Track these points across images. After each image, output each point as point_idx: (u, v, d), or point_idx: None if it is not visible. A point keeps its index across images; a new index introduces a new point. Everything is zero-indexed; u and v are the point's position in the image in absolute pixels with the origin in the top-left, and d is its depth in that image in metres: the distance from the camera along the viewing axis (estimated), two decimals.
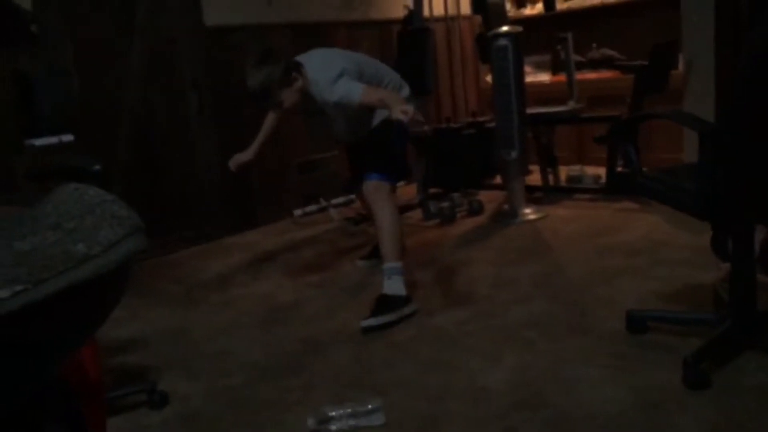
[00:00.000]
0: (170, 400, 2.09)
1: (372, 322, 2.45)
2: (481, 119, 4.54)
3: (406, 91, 2.94)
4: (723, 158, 1.74)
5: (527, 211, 3.88)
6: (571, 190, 4.33)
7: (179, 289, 3.24)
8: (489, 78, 4.67)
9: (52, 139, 3.01)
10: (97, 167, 1.91)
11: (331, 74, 2.61)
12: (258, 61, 2.59)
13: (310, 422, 1.82)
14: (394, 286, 2.57)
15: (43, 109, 3.13)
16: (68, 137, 3.02)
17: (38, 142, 3.00)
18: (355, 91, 2.55)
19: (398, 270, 2.59)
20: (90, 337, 0.87)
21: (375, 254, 3.08)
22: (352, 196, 4.80)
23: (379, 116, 2.77)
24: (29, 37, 2.97)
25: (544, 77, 5.18)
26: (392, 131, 2.74)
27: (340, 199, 4.65)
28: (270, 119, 3.10)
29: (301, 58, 2.74)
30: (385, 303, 2.52)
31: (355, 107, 2.63)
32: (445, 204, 4.06)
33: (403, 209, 4.37)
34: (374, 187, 2.66)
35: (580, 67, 4.72)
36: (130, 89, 3.81)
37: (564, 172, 4.45)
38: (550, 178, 4.38)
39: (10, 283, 0.52)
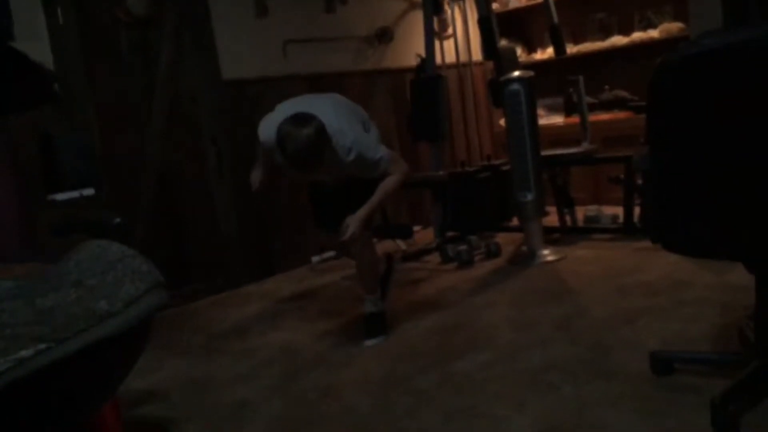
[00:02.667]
0: None
1: (374, 342, 2.86)
2: (495, 162, 4.56)
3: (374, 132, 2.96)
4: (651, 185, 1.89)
5: (545, 252, 3.86)
6: (589, 230, 4.31)
7: (199, 339, 3.24)
8: (502, 121, 4.72)
9: (74, 194, 3.08)
10: (118, 221, 1.95)
11: (352, 134, 2.68)
12: (297, 123, 2.51)
13: None
14: (378, 306, 2.98)
15: (65, 165, 3.20)
16: (89, 191, 3.08)
17: (60, 197, 3.07)
18: (384, 165, 2.76)
19: (377, 298, 3.00)
20: (114, 392, 0.87)
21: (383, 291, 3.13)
22: None
23: (376, 170, 2.79)
24: (52, 96, 3.06)
25: (558, 119, 5.22)
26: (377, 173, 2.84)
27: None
28: (262, 166, 3.02)
29: (298, 108, 2.66)
30: (377, 321, 2.94)
31: (362, 168, 2.74)
32: (463, 247, 4.06)
33: (421, 253, 4.38)
34: (362, 237, 2.83)
35: (593, 108, 4.76)
36: (151, 144, 3.90)
37: (581, 212, 4.44)
38: (567, 219, 4.37)
39: (33, 342, 0.53)
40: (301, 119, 2.53)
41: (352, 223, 2.72)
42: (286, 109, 2.70)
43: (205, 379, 2.71)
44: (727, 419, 1.78)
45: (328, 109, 2.68)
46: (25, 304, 0.64)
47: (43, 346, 0.53)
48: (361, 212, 2.74)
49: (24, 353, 0.51)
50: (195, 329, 3.40)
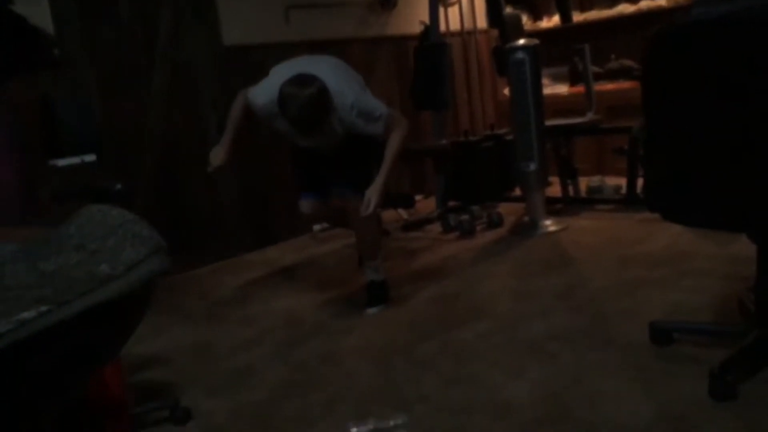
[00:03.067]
0: (193, 416, 2.10)
1: (376, 310, 2.87)
2: (499, 132, 4.53)
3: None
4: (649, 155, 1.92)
5: (548, 223, 3.86)
6: (592, 201, 4.30)
7: (201, 306, 3.27)
8: (506, 91, 4.67)
9: (75, 160, 3.06)
10: (119, 187, 1.95)
11: (352, 92, 2.63)
12: (298, 84, 2.48)
13: None
14: (379, 274, 2.97)
15: (65, 131, 3.18)
16: (90, 157, 3.07)
17: (61, 162, 3.05)
18: (381, 125, 2.69)
19: (379, 265, 2.97)
20: (115, 355, 0.88)
21: (374, 300, 2.98)
22: None
23: (369, 133, 2.74)
24: (52, 61, 3.03)
25: (562, 89, 5.17)
26: (377, 150, 2.79)
27: None
28: (234, 115, 2.89)
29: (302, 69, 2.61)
30: (379, 289, 2.95)
31: (360, 131, 2.70)
32: (465, 217, 4.06)
33: (422, 223, 4.38)
34: (355, 207, 2.78)
35: (598, 78, 4.71)
36: (152, 109, 3.87)
37: (584, 183, 4.42)
38: (570, 189, 4.35)
39: (35, 304, 0.53)
40: (302, 80, 2.49)
41: (373, 195, 2.69)
42: (283, 72, 2.64)
43: (207, 345, 2.74)
44: (725, 389, 1.80)
45: (326, 71, 2.63)
46: (27, 267, 0.64)
47: (44, 308, 0.53)
48: (379, 181, 2.70)
49: (26, 315, 0.52)
50: (197, 296, 3.42)
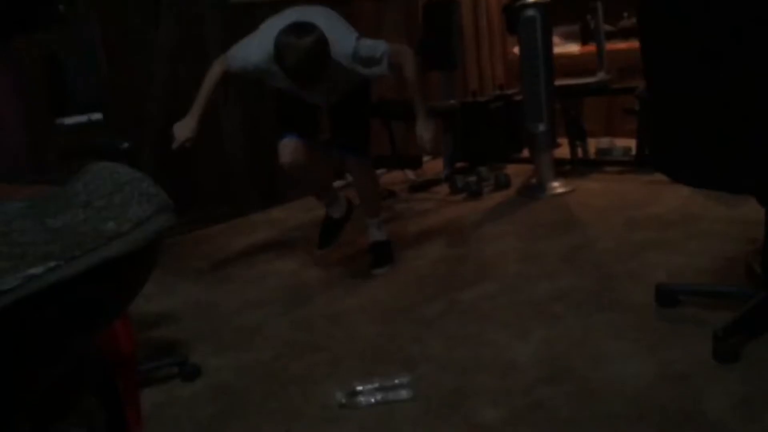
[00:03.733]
0: (201, 373, 2.13)
1: (383, 270, 2.87)
2: (508, 92, 4.48)
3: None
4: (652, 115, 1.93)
5: (555, 184, 3.84)
6: (601, 163, 4.27)
7: (207, 265, 3.29)
8: (516, 50, 4.60)
9: (82, 118, 3.06)
10: (126, 145, 1.95)
11: (351, 39, 2.52)
12: (296, 33, 2.34)
13: (339, 396, 1.84)
14: (382, 233, 2.99)
15: (72, 89, 3.17)
16: (97, 116, 3.06)
17: (68, 120, 3.05)
18: (384, 63, 2.58)
19: (381, 221, 3.01)
20: (122, 312, 0.89)
21: (331, 238, 3.08)
22: (379, 171, 4.80)
23: (361, 78, 2.66)
24: (57, 18, 3.00)
25: (573, 48, 5.08)
26: (369, 96, 2.80)
27: None
28: (210, 85, 2.68)
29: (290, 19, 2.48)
30: (385, 250, 2.96)
31: (364, 77, 2.63)
32: (472, 178, 4.04)
33: (429, 184, 4.37)
34: (361, 165, 2.87)
35: (611, 36, 4.62)
36: (158, 68, 3.84)
37: (593, 144, 4.38)
38: (579, 151, 4.32)
39: (43, 260, 0.53)
40: (300, 28, 2.36)
41: (424, 131, 2.65)
42: (276, 24, 2.49)
43: (215, 304, 2.77)
44: (729, 350, 1.81)
45: (321, 20, 2.50)
46: (34, 223, 0.64)
47: (52, 263, 0.53)
48: (421, 116, 2.65)
49: (34, 270, 0.52)
50: (204, 256, 3.45)
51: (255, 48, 2.54)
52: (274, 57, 2.38)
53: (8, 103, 1.60)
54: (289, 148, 2.73)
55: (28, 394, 0.70)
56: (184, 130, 2.62)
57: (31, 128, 1.69)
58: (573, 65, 4.69)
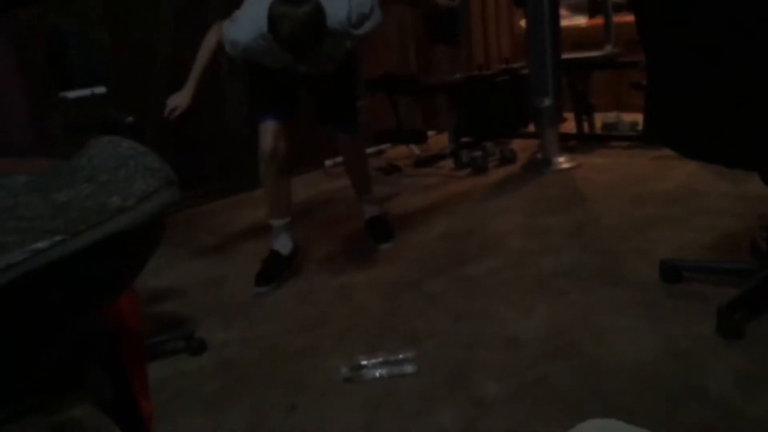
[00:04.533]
0: (207, 347, 2.15)
1: (389, 245, 2.89)
2: (514, 66, 4.44)
3: None
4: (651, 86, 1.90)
5: (561, 159, 3.82)
6: (607, 137, 4.24)
7: (213, 240, 3.30)
8: (523, 23, 4.55)
9: (85, 92, 3.04)
10: (130, 119, 1.94)
11: (344, 3, 2.38)
12: (293, 1, 2.22)
13: (344, 370, 1.85)
14: (378, 208, 3.03)
15: (75, 62, 3.15)
16: (101, 89, 3.04)
17: (71, 94, 3.03)
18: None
19: (374, 198, 3.03)
20: (128, 286, 0.89)
21: (275, 275, 2.63)
22: (384, 146, 4.80)
23: (353, 43, 2.55)
24: None
25: (581, 20, 5.02)
26: (355, 72, 2.76)
27: (371, 149, 4.64)
28: (206, 54, 2.56)
29: None
30: (386, 224, 2.99)
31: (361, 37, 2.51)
32: (477, 153, 4.03)
33: (434, 159, 4.35)
34: (355, 143, 2.87)
35: (619, 9, 4.55)
36: (160, 41, 3.81)
37: (599, 119, 4.35)
38: (585, 125, 4.30)
39: (49, 234, 0.53)
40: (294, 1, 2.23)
41: None
42: None
43: (220, 278, 2.78)
44: (732, 326, 1.81)
45: None
46: (40, 198, 0.64)
47: (58, 238, 0.53)
48: None
49: (40, 245, 0.52)
50: (210, 231, 3.46)
51: (246, 24, 2.40)
52: (268, 28, 2.25)
53: (9, 77, 1.59)
54: (271, 132, 2.56)
55: (35, 368, 0.70)
56: (177, 100, 2.54)
57: (34, 102, 1.68)
58: (580, 38, 4.64)
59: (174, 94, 2.57)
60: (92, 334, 1.19)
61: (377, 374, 1.84)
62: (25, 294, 0.52)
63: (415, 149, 4.57)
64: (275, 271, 2.63)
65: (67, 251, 0.52)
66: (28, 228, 0.56)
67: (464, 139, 4.32)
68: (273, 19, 2.22)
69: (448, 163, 4.20)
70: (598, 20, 4.52)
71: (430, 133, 4.74)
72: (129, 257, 0.66)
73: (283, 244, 2.69)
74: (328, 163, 4.45)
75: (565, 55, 3.88)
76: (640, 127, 4.03)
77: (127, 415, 1.35)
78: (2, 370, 0.60)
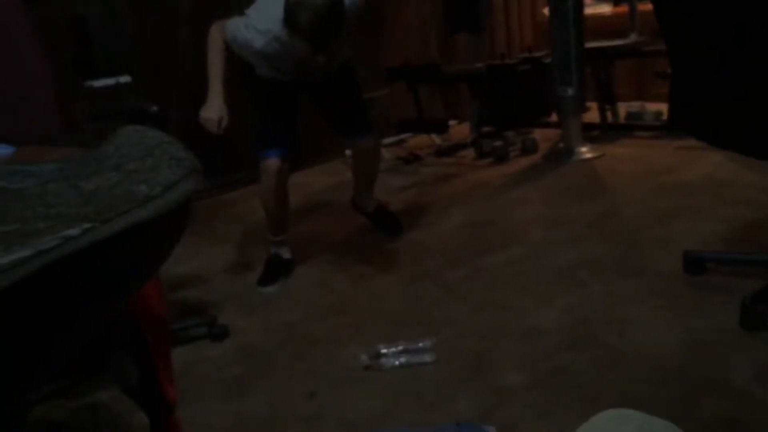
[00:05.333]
0: (229, 333, 2.18)
1: (402, 233, 2.90)
2: (537, 54, 4.40)
3: None
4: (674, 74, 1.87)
5: (583, 149, 3.79)
6: (631, 127, 4.20)
7: (235, 229, 3.33)
8: (546, 11, 4.50)
9: (110, 81, 3.08)
10: (155, 108, 1.96)
11: None
12: None
13: (363, 358, 1.87)
14: (374, 200, 2.98)
15: (99, 51, 3.19)
16: (125, 78, 3.08)
17: (96, 83, 3.07)
18: None
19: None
20: (154, 273, 0.91)
21: (276, 276, 2.59)
22: (405, 136, 4.79)
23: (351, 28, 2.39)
24: None
25: (605, 8, 4.96)
26: (355, 74, 2.62)
27: (392, 139, 4.64)
28: (218, 57, 2.38)
29: None
30: (388, 211, 3.02)
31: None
32: (499, 143, 4.01)
33: (455, 148, 4.34)
34: (376, 145, 2.78)
35: None
36: (183, 30, 3.83)
37: (623, 108, 4.30)
38: (609, 115, 4.25)
39: (79, 221, 0.55)
40: None
41: None
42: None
43: (242, 266, 2.81)
44: (756, 319, 1.79)
45: None
46: (69, 186, 0.65)
47: (88, 225, 0.54)
48: None
49: (71, 232, 0.53)
50: (231, 219, 3.49)
51: (260, 28, 2.27)
52: (285, 21, 2.14)
53: (37, 65, 1.62)
54: (275, 174, 2.47)
55: (65, 353, 0.72)
56: (213, 112, 2.35)
57: (60, 90, 1.71)
58: (604, 27, 4.58)
59: (202, 107, 2.39)
60: (118, 320, 1.22)
61: (396, 362, 1.85)
62: (56, 279, 0.53)
63: (436, 138, 4.55)
64: (279, 271, 2.61)
65: (97, 238, 0.54)
66: (58, 215, 0.58)
67: (485, 129, 4.30)
68: (290, 10, 2.12)
69: (469, 153, 4.18)
70: (623, 8, 4.46)
71: (451, 122, 4.72)
72: (155, 244, 0.68)
73: (283, 251, 2.69)
74: (347, 152, 4.45)
75: (589, 44, 3.83)
76: (665, 116, 3.98)
77: (151, 398, 1.38)
78: (33, 354, 0.62)
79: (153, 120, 1.90)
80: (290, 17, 2.13)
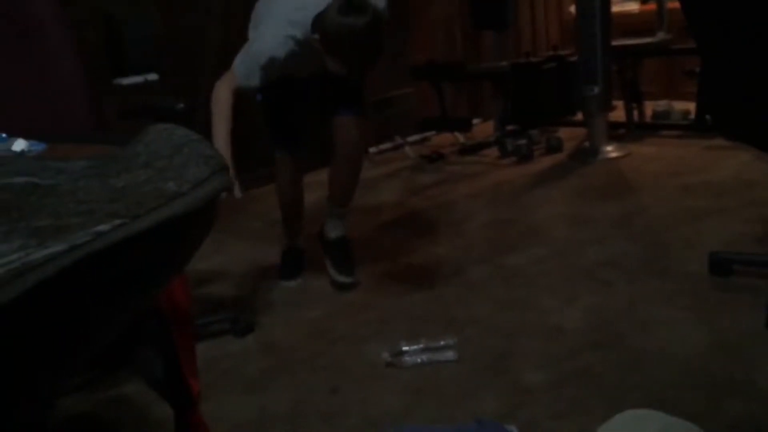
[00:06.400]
0: (253, 329, 2.20)
1: (352, 279, 2.38)
2: (562, 53, 4.37)
3: None
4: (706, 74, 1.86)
5: (609, 148, 3.76)
6: (657, 126, 4.15)
7: (259, 225, 3.36)
8: (572, 8, 4.47)
9: (138, 79, 3.13)
10: (181, 106, 1.99)
11: None
12: (345, 9, 1.93)
13: (385, 355, 1.88)
14: (345, 229, 2.50)
15: (128, 49, 3.24)
16: (153, 76, 3.12)
17: (125, 81, 3.12)
18: None
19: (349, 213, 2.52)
20: (182, 269, 0.92)
21: (300, 268, 2.59)
22: (428, 134, 4.79)
23: None
24: None
25: (633, 6, 4.91)
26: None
27: (416, 137, 4.64)
28: (224, 114, 2.12)
29: None
30: (350, 251, 2.45)
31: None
32: (523, 141, 3.98)
33: (479, 147, 4.33)
34: (356, 125, 2.34)
35: None
36: (210, 26, 3.87)
37: (650, 107, 4.26)
38: (635, 114, 4.20)
39: (110, 217, 0.56)
40: (353, 8, 1.93)
41: None
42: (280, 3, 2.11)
43: (265, 262, 2.83)
44: None
45: None
46: (99, 182, 0.67)
47: (119, 221, 0.56)
48: None
49: (102, 227, 0.55)
50: (256, 216, 3.52)
51: (274, 37, 2.08)
52: (326, 44, 1.97)
53: (70, 63, 1.65)
54: (289, 170, 2.47)
55: (94, 347, 0.74)
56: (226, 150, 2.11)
57: (91, 88, 1.74)
58: (631, 24, 4.53)
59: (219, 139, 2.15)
60: (144, 315, 1.24)
61: (418, 360, 1.85)
62: (87, 274, 0.55)
63: (460, 137, 4.54)
64: (300, 264, 2.60)
65: (127, 234, 0.55)
66: (89, 211, 0.59)
67: (510, 127, 4.28)
68: (333, 35, 1.94)
69: (493, 151, 4.16)
70: (651, 6, 4.41)
71: (475, 120, 4.70)
72: (183, 241, 0.69)
73: (299, 240, 2.65)
74: (372, 150, 4.47)
75: (616, 42, 3.79)
76: (692, 116, 3.93)
77: (176, 391, 1.41)
78: (64, 348, 0.64)
79: (180, 117, 1.93)
80: (334, 43, 1.96)
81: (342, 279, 2.35)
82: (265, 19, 2.14)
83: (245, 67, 2.12)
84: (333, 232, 2.47)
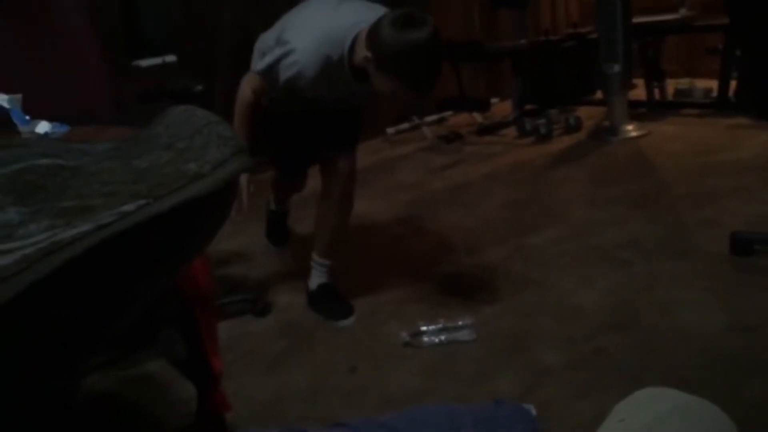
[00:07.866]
0: (272, 309, 2.23)
1: (349, 322, 2.12)
2: (582, 31, 4.31)
3: None
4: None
5: (629, 127, 3.71)
6: (679, 105, 4.09)
7: None
8: None
9: (156, 60, 3.13)
10: (200, 88, 2.00)
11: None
12: (403, 22, 1.73)
13: (403, 335, 1.89)
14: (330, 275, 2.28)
15: (146, 31, 3.24)
16: (171, 58, 3.13)
17: (144, 63, 3.13)
18: None
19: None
20: (203, 248, 0.94)
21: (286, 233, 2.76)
22: (446, 114, 4.76)
23: None
24: None
25: None
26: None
27: (433, 117, 4.62)
28: (245, 117, 2.05)
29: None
30: (339, 293, 2.24)
31: None
32: (541, 121, 3.95)
33: (497, 126, 4.30)
34: (352, 164, 2.17)
35: None
36: (227, 8, 3.87)
37: (671, 86, 4.19)
38: (656, 92, 4.15)
39: (134, 198, 0.57)
40: (411, 17, 1.75)
41: None
42: (321, 12, 1.95)
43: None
44: None
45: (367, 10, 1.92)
46: (122, 164, 0.68)
47: (143, 201, 0.57)
48: None
49: (127, 207, 0.56)
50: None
51: (313, 49, 1.87)
52: (391, 66, 1.78)
53: (90, 47, 1.67)
54: (287, 194, 2.68)
55: (119, 324, 0.76)
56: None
57: (109, 70, 1.75)
58: (653, 1, 4.45)
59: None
60: (167, 294, 1.26)
61: (436, 340, 1.87)
62: (112, 253, 0.56)
63: (478, 117, 4.52)
64: (285, 230, 2.80)
65: (151, 214, 0.56)
66: (113, 192, 0.61)
67: (528, 107, 4.25)
68: (396, 52, 1.74)
69: (511, 131, 4.14)
70: None
71: (493, 100, 4.67)
72: (205, 220, 0.70)
73: (287, 205, 2.78)
74: (389, 130, 4.46)
75: (637, 19, 3.73)
76: (715, 94, 3.87)
77: (198, 371, 1.43)
78: (92, 325, 0.66)
79: (198, 99, 1.93)
80: (398, 63, 1.77)
81: (343, 323, 2.12)
82: (299, 31, 1.93)
83: (269, 74, 1.97)
84: (314, 281, 2.25)
